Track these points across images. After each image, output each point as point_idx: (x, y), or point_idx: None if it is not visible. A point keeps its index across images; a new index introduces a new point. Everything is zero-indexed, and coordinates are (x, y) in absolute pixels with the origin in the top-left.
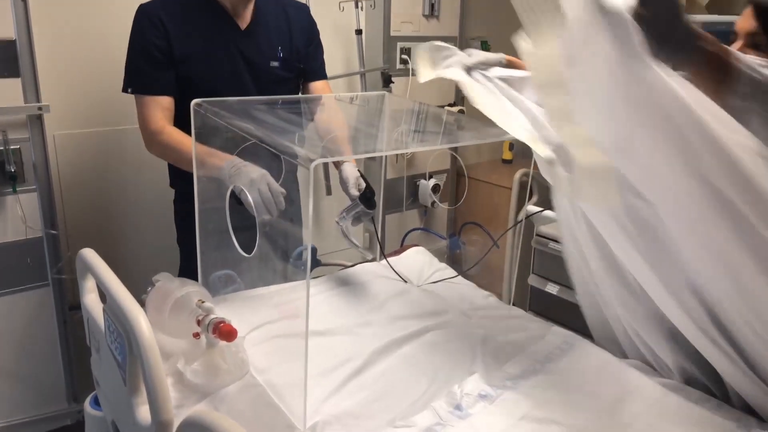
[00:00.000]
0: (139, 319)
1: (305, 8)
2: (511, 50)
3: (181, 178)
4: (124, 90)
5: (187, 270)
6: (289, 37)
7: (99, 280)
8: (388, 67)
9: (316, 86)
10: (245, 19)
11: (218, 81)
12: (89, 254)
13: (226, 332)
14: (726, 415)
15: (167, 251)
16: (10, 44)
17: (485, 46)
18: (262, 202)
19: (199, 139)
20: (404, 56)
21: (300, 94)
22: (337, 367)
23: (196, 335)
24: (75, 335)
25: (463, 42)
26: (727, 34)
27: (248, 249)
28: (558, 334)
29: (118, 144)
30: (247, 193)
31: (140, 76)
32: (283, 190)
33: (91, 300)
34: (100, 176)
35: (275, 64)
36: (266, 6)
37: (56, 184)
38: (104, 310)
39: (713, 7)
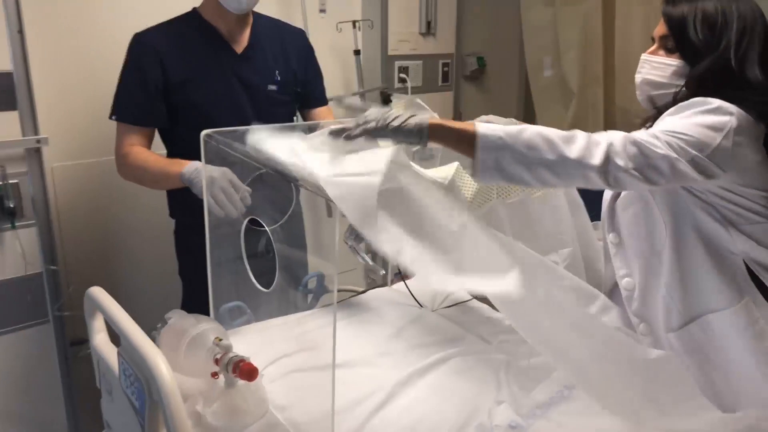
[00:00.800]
0: (160, 364)
1: (302, 33)
2: (506, 64)
3: (181, 208)
4: (110, 116)
5: (191, 302)
6: (286, 61)
7: (112, 322)
8: (387, 86)
9: (319, 112)
10: (241, 43)
11: (215, 105)
12: (98, 293)
13: (247, 372)
14: None
15: (169, 283)
16: (7, 76)
17: (481, 62)
18: (226, 199)
19: None
20: (402, 75)
21: (299, 120)
22: (360, 401)
23: (215, 375)
24: (78, 373)
25: (459, 58)
26: None
27: (258, 280)
28: None
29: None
30: (210, 193)
31: (126, 105)
32: (247, 188)
33: (100, 340)
34: (100, 208)
35: (273, 87)
36: (262, 29)
37: (55, 218)
38: (119, 354)
39: None
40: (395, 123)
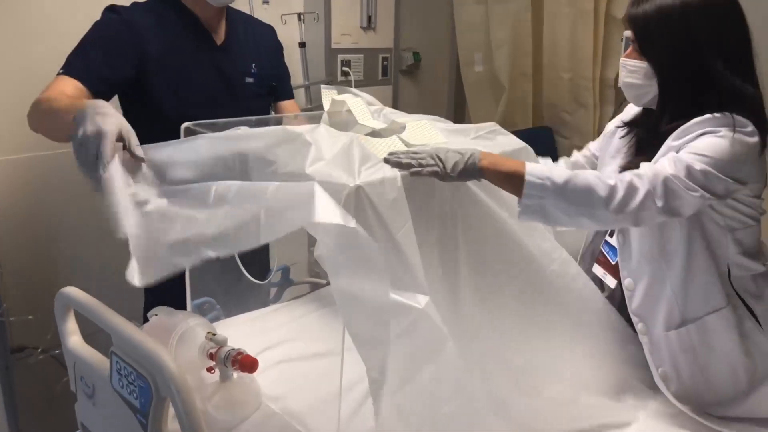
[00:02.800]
0: (166, 359)
1: (272, 30)
2: (440, 60)
3: None
4: (60, 71)
5: (151, 297)
6: (259, 55)
7: (101, 321)
8: (331, 79)
9: (286, 105)
10: (220, 35)
11: (193, 96)
12: (75, 293)
13: (248, 364)
14: None
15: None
16: None
17: (416, 57)
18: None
19: None
20: (345, 68)
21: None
22: (351, 387)
23: (210, 370)
24: (21, 381)
25: (397, 53)
26: None
27: (226, 276)
28: None
29: (61, 168)
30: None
31: (77, 61)
32: (141, 157)
33: (74, 342)
34: (40, 206)
35: (250, 80)
36: (237, 23)
37: None
38: (113, 353)
39: None
40: (459, 168)
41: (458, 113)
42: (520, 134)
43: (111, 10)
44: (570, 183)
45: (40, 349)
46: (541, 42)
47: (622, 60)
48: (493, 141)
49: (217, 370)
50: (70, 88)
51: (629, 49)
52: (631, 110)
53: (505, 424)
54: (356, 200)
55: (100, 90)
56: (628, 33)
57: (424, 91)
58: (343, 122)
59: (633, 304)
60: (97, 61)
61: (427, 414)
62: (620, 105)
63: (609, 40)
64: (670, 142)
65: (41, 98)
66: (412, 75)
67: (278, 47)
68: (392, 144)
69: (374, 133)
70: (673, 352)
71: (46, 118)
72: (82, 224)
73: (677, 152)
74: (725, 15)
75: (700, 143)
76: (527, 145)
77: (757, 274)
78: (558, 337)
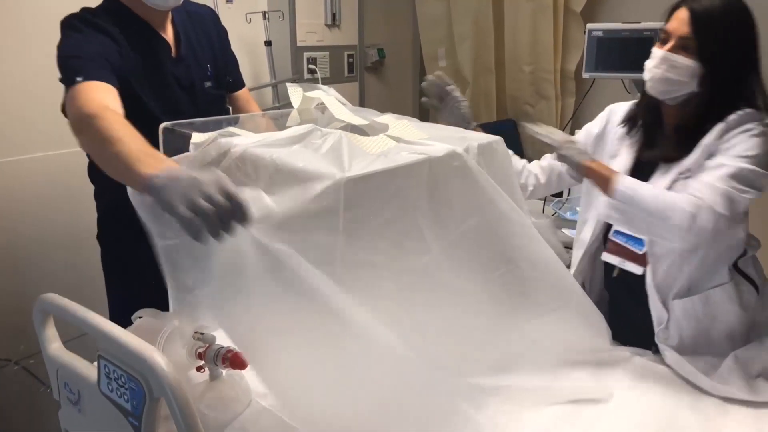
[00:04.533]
0: (157, 359)
1: (213, 14)
2: (403, 56)
3: (114, 218)
4: (64, 81)
5: (117, 306)
6: (212, 51)
7: (86, 325)
8: (298, 77)
9: (241, 96)
10: (169, 37)
11: (157, 106)
12: (55, 299)
13: (239, 361)
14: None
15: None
16: None
17: (381, 54)
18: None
19: None
20: (311, 66)
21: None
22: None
23: (200, 369)
24: None
25: (362, 49)
26: (630, 41)
27: None
28: None
29: (20, 176)
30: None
31: (76, 62)
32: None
33: (56, 349)
34: (2, 214)
35: (208, 84)
36: (182, 20)
37: None
38: (100, 357)
39: (586, 13)
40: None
41: (423, 108)
42: (485, 127)
43: (72, 16)
44: (652, 199)
45: (13, 361)
46: (502, 36)
47: (665, 53)
48: (466, 134)
49: (206, 369)
50: (98, 91)
51: (671, 44)
52: (618, 111)
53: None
54: (346, 193)
55: (114, 81)
56: (680, 29)
57: (390, 87)
58: (314, 119)
59: (656, 280)
60: (92, 57)
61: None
62: (583, 97)
63: (568, 33)
64: (707, 140)
65: (98, 123)
66: (377, 71)
67: (223, 33)
68: (382, 142)
69: (360, 132)
70: (677, 318)
71: (106, 151)
72: (48, 233)
73: (715, 154)
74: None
75: (740, 144)
76: (500, 138)
77: (747, 257)
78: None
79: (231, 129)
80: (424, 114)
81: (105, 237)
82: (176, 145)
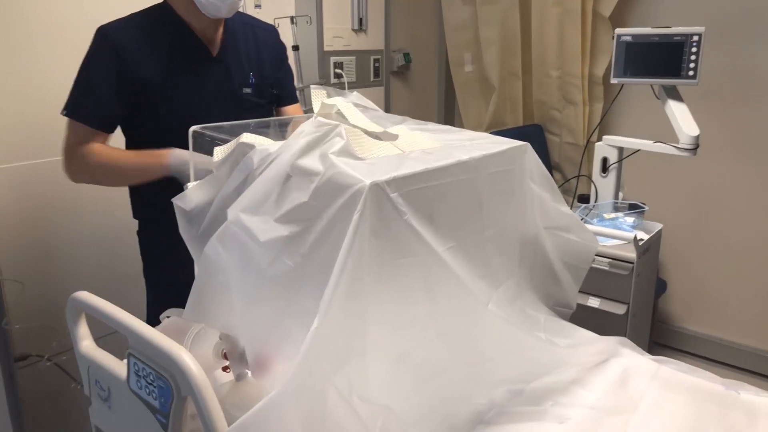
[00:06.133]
0: (185, 359)
1: (274, 31)
2: (429, 60)
3: (147, 207)
4: (63, 112)
5: (156, 302)
6: (261, 62)
7: (116, 323)
8: (325, 81)
9: (289, 110)
10: (215, 44)
11: (188, 110)
12: (87, 297)
13: (263, 361)
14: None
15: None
16: None
17: (407, 58)
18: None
19: None
20: (338, 70)
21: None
22: None
23: (226, 369)
24: (26, 390)
25: (388, 54)
26: (660, 46)
27: None
28: None
29: (58, 176)
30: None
31: (84, 104)
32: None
33: (87, 346)
34: (39, 214)
35: (247, 90)
36: (235, 28)
37: None
38: (130, 354)
39: (615, 18)
40: None
41: (448, 113)
42: (511, 132)
43: (101, 35)
44: None
45: (45, 357)
46: (529, 41)
47: None
48: (491, 140)
49: (232, 370)
50: (87, 136)
51: None
52: None
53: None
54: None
55: (112, 128)
56: None
57: (415, 91)
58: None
59: None
60: (102, 103)
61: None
62: (611, 102)
63: (596, 37)
64: None
65: (89, 161)
66: (402, 76)
67: (281, 49)
68: (387, 148)
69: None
70: None
71: (104, 175)
72: (82, 231)
73: None
74: None
75: None
76: (527, 143)
77: None
78: None
79: (246, 135)
80: (449, 119)
81: (144, 232)
82: (205, 149)
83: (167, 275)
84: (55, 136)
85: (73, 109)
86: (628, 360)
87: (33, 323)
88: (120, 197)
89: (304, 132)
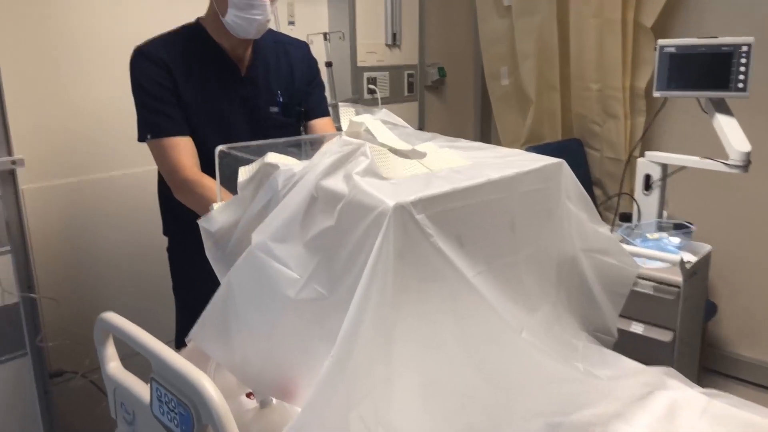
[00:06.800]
0: (208, 387)
1: (305, 47)
2: (464, 74)
3: (177, 224)
4: (141, 139)
5: (185, 321)
6: (290, 80)
7: (140, 346)
8: (358, 97)
9: (318, 123)
10: (244, 62)
11: (214, 128)
12: (114, 318)
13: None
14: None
15: (155, 304)
16: None
17: (442, 72)
18: None
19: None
20: (371, 86)
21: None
22: None
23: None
24: (61, 405)
25: (422, 68)
26: (706, 57)
27: None
28: None
29: (95, 193)
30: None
31: (156, 119)
32: None
33: (114, 368)
34: (76, 231)
35: (275, 109)
36: (265, 47)
37: (28, 243)
38: (153, 379)
39: (657, 28)
40: None
41: (485, 127)
42: (549, 147)
43: (141, 54)
44: None
45: (80, 374)
46: (567, 53)
47: None
48: (524, 157)
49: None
50: (183, 153)
51: None
52: None
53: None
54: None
55: (188, 131)
56: None
57: (450, 106)
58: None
59: None
60: (168, 112)
61: None
62: (654, 116)
63: (638, 49)
64: None
65: (196, 189)
66: (437, 90)
67: (311, 63)
68: (413, 167)
69: (402, 155)
70: None
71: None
72: (117, 249)
73: None
74: None
75: None
76: (562, 160)
77: None
78: None
79: (271, 155)
80: (486, 133)
81: (173, 249)
82: (232, 168)
83: (196, 295)
84: (88, 155)
85: (149, 128)
86: (676, 393)
87: (67, 340)
88: (152, 213)
89: (328, 152)
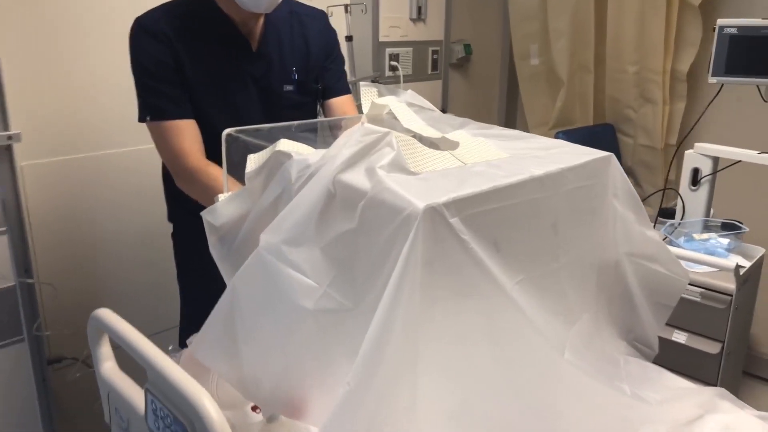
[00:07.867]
0: (207, 405)
1: (323, 16)
2: (491, 52)
3: (183, 211)
4: (141, 119)
5: (189, 310)
6: (307, 54)
7: (135, 352)
8: (379, 74)
9: (337, 102)
10: (256, 37)
11: (221, 109)
12: (107, 315)
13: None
14: None
15: (158, 292)
16: None
17: (468, 49)
18: None
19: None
20: (393, 63)
21: (320, 117)
22: None
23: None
24: (59, 392)
25: (447, 45)
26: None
27: None
28: None
29: (98, 172)
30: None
31: (157, 100)
32: None
33: (108, 369)
34: (77, 211)
35: (289, 88)
36: (279, 19)
37: (27, 224)
38: (148, 391)
39: (706, 6)
40: None
41: (510, 109)
42: (579, 132)
43: (140, 27)
44: None
45: (80, 360)
46: (603, 32)
47: None
48: (568, 150)
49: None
50: (186, 138)
51: None
52: None
53: None
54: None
55: (191, 113)
56: None
57: (475, 85)
58: (384, 127)
59: None
60: (169, 92)
61: None
62: (708, 105)
63: (682, 28)
64: None
65: (200, 178)
66: (462, 69)
67: (330, 35)
68: (445, 159)
69: (430, 144)
70: None
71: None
72: (120, 232)
73: None
74: None
75: None
76: (611, 154)
77: None
78: None
79: (283, 142)
80: (511, 115)
81: (178, 236)
82: (241, 154)
83: (201, 284)
84: (91, 130)
85: (148, 110)
86: (729, 417)
87: (67, 326)
88: (157, 197)
89: (349, 141)
